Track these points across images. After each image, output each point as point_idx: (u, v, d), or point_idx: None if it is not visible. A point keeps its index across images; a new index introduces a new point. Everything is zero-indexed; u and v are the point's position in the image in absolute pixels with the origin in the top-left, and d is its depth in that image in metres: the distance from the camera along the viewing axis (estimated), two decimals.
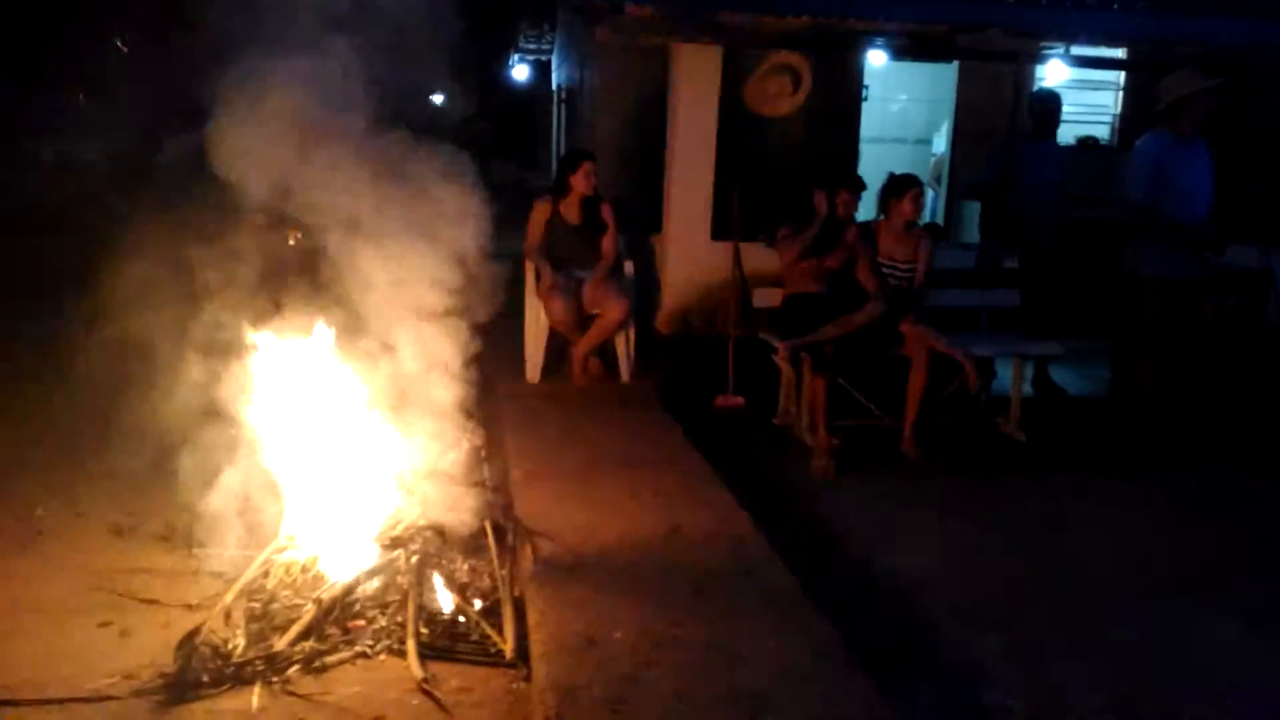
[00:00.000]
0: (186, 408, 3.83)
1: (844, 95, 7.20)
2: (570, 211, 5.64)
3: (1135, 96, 8.46)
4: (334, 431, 3.54)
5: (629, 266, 5.81)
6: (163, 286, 4.00)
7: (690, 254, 5.66)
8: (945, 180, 8.66)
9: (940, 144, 9.14)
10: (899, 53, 6.08)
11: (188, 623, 3.07)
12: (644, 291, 5.90)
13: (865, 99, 7.86)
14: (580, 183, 5.60)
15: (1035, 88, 6.33)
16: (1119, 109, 8.90)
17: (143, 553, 3.60)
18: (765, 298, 5.38)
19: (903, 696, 2.72)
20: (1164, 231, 4.75)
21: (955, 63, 8.10)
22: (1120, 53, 7.10)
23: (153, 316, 4.08)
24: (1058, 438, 5.37)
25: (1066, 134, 8.92)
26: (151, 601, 3.24)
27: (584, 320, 5.50)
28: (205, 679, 2.75)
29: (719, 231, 5.67)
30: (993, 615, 3.39)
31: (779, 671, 2.69)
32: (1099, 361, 6.18)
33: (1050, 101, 6.00)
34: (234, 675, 2.79)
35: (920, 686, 2.94)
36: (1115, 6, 7.02)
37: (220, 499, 3.56)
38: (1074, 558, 3.91)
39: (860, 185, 5.32)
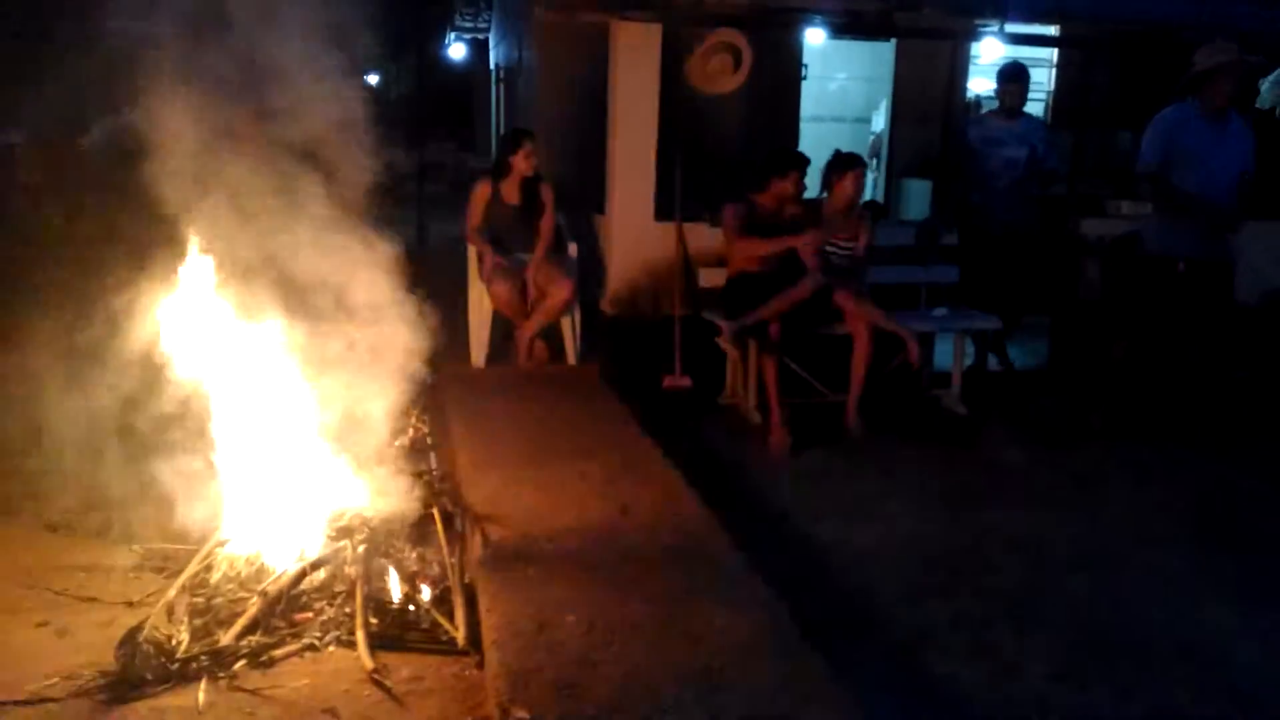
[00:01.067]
0: (120, 400, 3.75)
1: (783, 74, 7.22)
2: (510, 192, 5.58)
3: (1069, 74, 8.62)
4: (275, 422, 3.48)
5: (573, 248, 5.78)
6: (88, 275, 3.90)
7: (634, 234, 5.65)
8: (884, 157, 8.74)
9: (879, 122, 9.22)
10: (837, 31, 6.10)
11: (128, 620, 3.00)
12: (589, 272, 5.88)
13: (805, 78, 7.89)
14: (520, 162, 5.54)
15: (1004, 62, 6.21)
16: (1053, 86, 9.06)
17: (80, 550, 3.50)
18: (710, 277, 5.40)
19: (853, 669, 2.76)
20: (1171, 203, 4.68)
21: (893, 41, 8.17)
22: (1054, 30, 7.20)
23: (82, 308, 3.97)
24: (998, 410, 5.48)
25: None
26: (90, 599, 3.16)
27: (528, 302, 5.46)
28: (149, 677, 2.69)
29: (663, 211, 5.66)
30: (939, 586, 3.45)
31: (730, 648, 2.71)
32: (1038, 334, 6.33)
33: (1023, 74, 5.92)
34: (178, 672, 2.73)
35: (870, 658, 2.99)
36: None
37: (159, 493, 3.48)
38: (1018, 528, 4.00)
39: (806, 162, 5.35)
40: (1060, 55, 8.76)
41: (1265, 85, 7.64)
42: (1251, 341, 5.84)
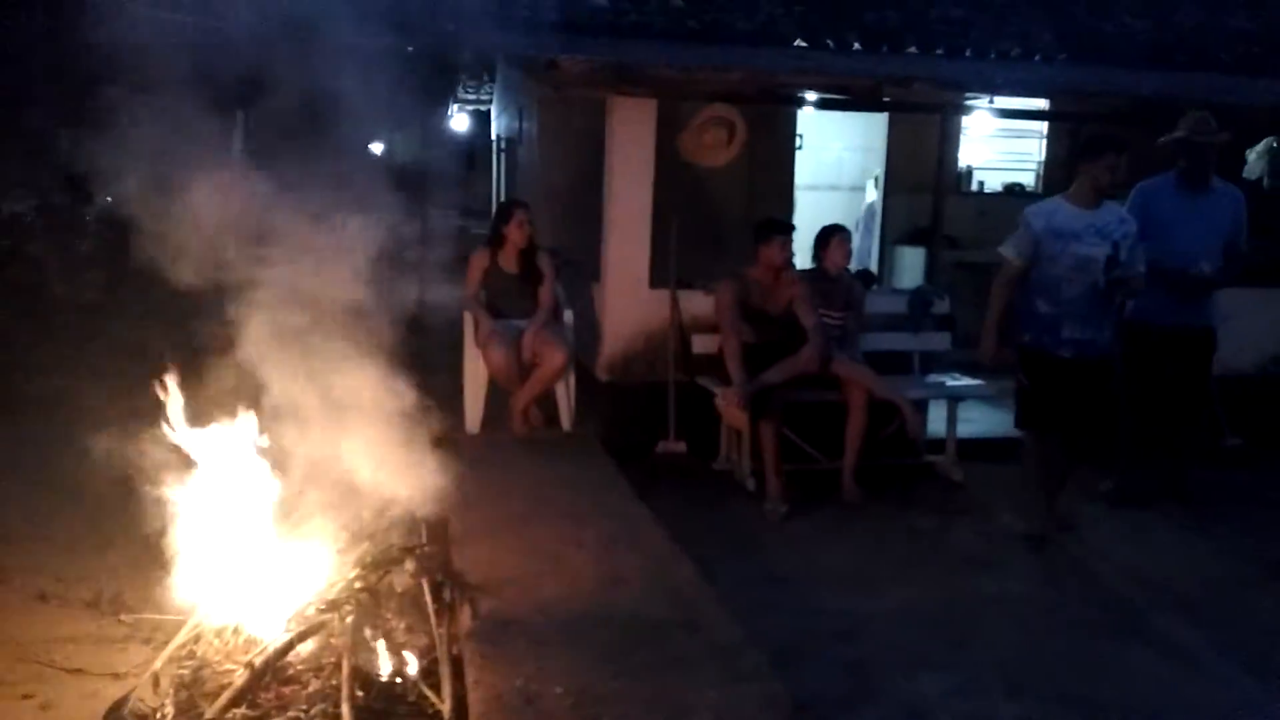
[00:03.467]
0: (116, 470, 3.76)
1: (778, 144, 7.35)
2: (508, 261, 5.65)
3: (1058, 144, 8.77)
4: (266, 492, 3.49)
5: (568, 315, 5.83)
6: (90, 348, 3.94)
7: (629, 302, 5.70)
8: (878, 226, 8.86)
9: (872, 191, 9.36)
10: (828, 106, 6.23)
11: (114, 692, 2.98)
12: (584, 339, 5.92)
13: (799, 147, 8.04)
14: (514, 232, 5.62)
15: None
16: (1043, 156, 9.22)
17: (69, 620, 3.48)
18: (704, 344, 5.43)
19: None
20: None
21: (887, 114, 8.35)
22: (1043, 103, 7.36)
23: (79, 380, 4.01)
24: (994, 477, 5.47)
25: (994, 181, 9.24)
26: (77, 671, 3.14)
27: (523, 370, 5.49)
28: None
29: (657, 279, 5.72)
30: (936, 656, 3.42)
31: None
32: None
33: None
34: None
35: None
36: (1036, 59, 7.31)
37: (150, 563, 3.47)
38: (1015, 596, 3.97)
39: (790, 228, 5.41)
40: (1049, 127, 8.93)
41: (1253, 156, 7.79)
42: (1246, 409, 5.85)
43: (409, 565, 3.48)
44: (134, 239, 3.48)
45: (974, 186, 9.02)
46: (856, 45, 7.05)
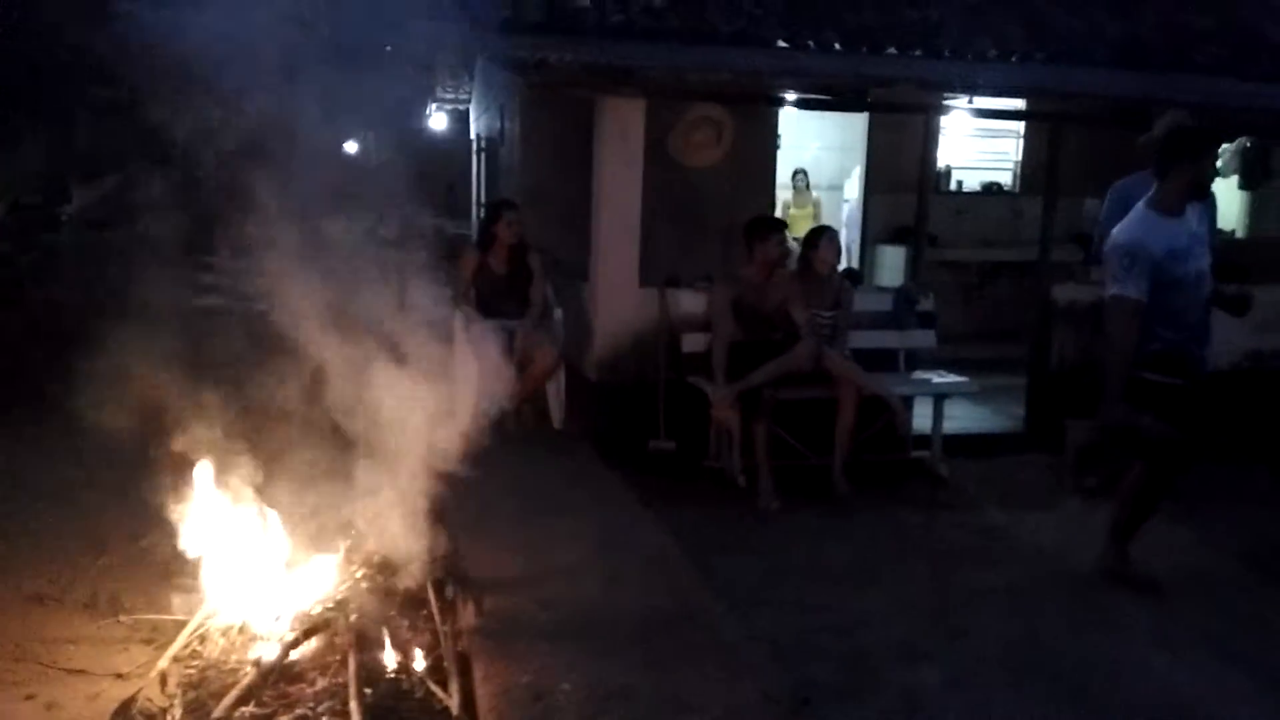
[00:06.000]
0: (110, 467, 3.74)
1: (760, 143, 7.41)
2: (498, 261, 5.67)
3: (1034, 144, 8.90)
4: (264, 492, 3.50)
5: (558, 314, 5.86)
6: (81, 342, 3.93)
7: (619, 301, 5.73)
8: (859, 225, 8.95)
9: (852, 190, 9.46)
10: (815, 106, 6.29)
11: (118, 692, 2.98)
12: (574, 338, 5.94)
13: (779, 147, 8.12)
14: (503, 232, 5.65)
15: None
16: (1020, 155, 9.34)
17: (67, 621, 3.46)
18: (694, 343, 5.47)
19: None
20: None
21: (865, 114, 8.43)
22: (1020, 104, 7.46)
23: (70, 372, 3.99)
24: (980, 472, 5.56)
25: (972, 180, 9.36)
26: (79, 671, 3.13)
27: (514, 369, 5.51)
28: None
29: (647, 278, 5.76)
30: (932, 647, 3.48)
31: (729, 714, 2.73)
32: (1014, 398, 6.43)
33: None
34: None
35: None
36: (1013, 60, 7.41)
37: (149, 563, 3.46)
38: (1004, 589, 4.03)
39: (784, 225, 5.48)
40: (1026, 127, 9.05)
41: (1225, 156, 7.96)
42: (1222, 406, 5.96)
43: (412, 564, 3.49)
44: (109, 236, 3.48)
45: (953, 186, 9.13)
46: (837, 46, 7.12)
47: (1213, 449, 4.04)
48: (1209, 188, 3.77)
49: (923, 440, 5.68)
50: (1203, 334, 3.88)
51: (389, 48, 5.29)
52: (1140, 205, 3.81)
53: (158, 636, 3.32)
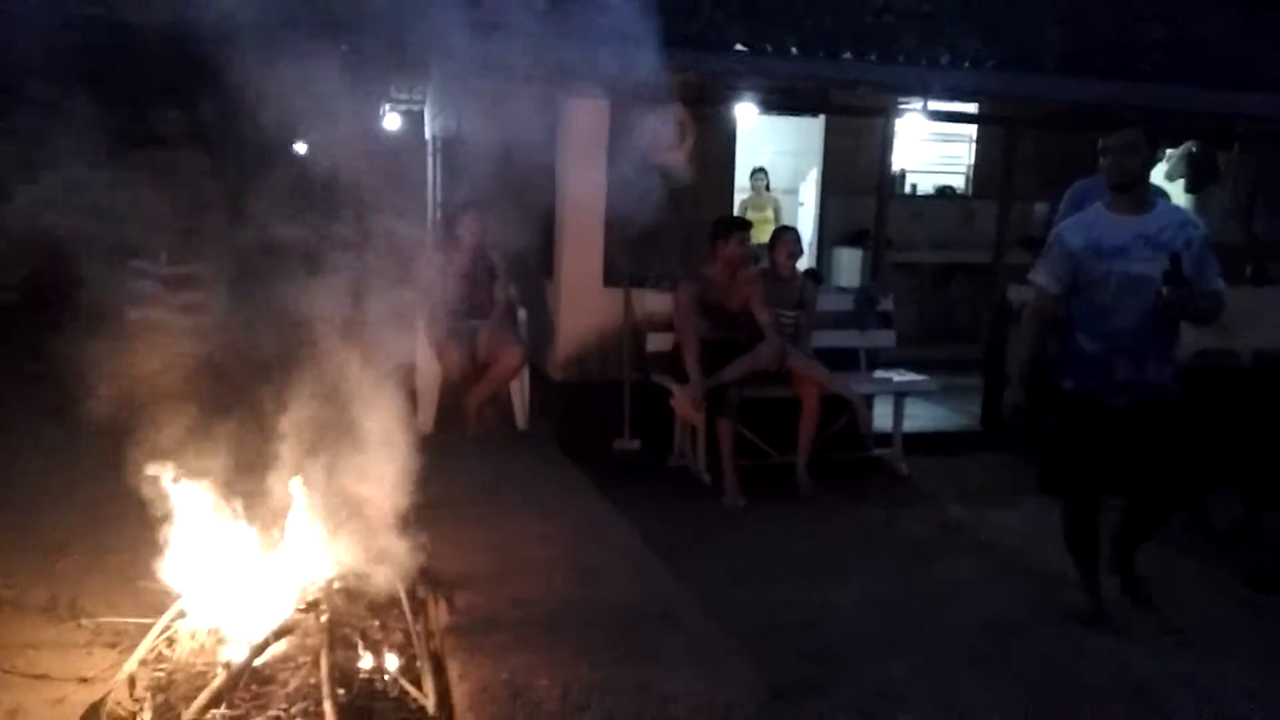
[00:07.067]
0: (71, 465, 3.66)
1: (719, 146, 7.45)
2: (461, 261, 5.64)
3: (987, 147, 9.07)
4: (229, 494, 3.45)
5: (522, 314, 5.84)
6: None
7: (583, 301, 5.73)
8: (815, 227, 9.04)
9: (808, 194, 9.55)
10: (778, 107, 6.35)
11: (82, 698, 2.91)
12: (538, 338, 5.93)
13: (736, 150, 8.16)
14: (465, 233, 5.63)
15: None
16: (973, 159, 9.52)
17: (26, 625, 3.36)
18: (658, 342, 5.50)
19: None
20: None
21: (822, 117, 8.53)
22: (973, 108, 7.60)
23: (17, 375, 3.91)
24: (938, 469, 5.65)
25: (926, 184, 9.51)
26: (41, 676, 3.04)
27: (477, 369, 5.49)
28: None
29: (611, 278, 5.77)
30: (900, 640, 3.53)
31: (706, 708, 2.75)
32: (970, 396, 6.55)
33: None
34: None
35: (839, 715, 3.04)
36: (966, 65, 7.55)
37: (109, 566, 3.39)
38: (966, 584, 4.11)
39: (749, 225, 5.54)
40: (979, 132, 9.22)
41: (1171, 160, 8.18)
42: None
43: (382, 564, 3.47)
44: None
45: (907, 189, 9.27)
46: (794, 50, 7.19)
47: (1142, 483, 3.67)
48: (1126, 183, 3.52)
49: (884, 438, 5.76)
50: (1139, 348, 3.51)
51: (345, 48, 5.26)
52: (1098, 203, 3.71)
53: (121, 640, 3.25)
